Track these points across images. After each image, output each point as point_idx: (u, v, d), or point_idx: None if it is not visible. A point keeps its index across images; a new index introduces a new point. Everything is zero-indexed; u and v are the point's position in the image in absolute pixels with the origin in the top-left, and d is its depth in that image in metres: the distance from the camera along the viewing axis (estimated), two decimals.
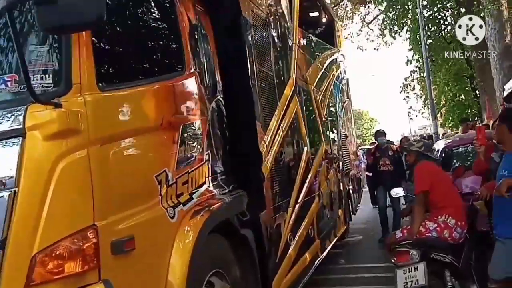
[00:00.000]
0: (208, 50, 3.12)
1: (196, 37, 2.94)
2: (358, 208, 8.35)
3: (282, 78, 4.26)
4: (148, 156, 2.35)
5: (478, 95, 19.22)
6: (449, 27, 20.15)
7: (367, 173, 10.73)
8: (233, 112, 3.32)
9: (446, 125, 25.10)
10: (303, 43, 5.48)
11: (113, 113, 2.13)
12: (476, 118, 19.72)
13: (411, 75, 24.46)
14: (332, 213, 5.83)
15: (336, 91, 7.28)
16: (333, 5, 21.68)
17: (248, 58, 3.42)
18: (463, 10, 19.15)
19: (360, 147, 17.05)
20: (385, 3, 19.40)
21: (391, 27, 20.81)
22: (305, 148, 4.82)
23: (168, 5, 2.70)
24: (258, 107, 3.51)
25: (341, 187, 6.73)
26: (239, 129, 3.34)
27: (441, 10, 19.28)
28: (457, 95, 21.15)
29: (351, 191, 7.63)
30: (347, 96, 8.60)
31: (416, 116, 30.82)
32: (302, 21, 6.43)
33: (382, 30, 21.83)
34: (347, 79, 8.68)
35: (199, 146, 2.78)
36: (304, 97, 5.12)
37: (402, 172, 7.36)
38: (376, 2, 19.42)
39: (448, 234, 3.75)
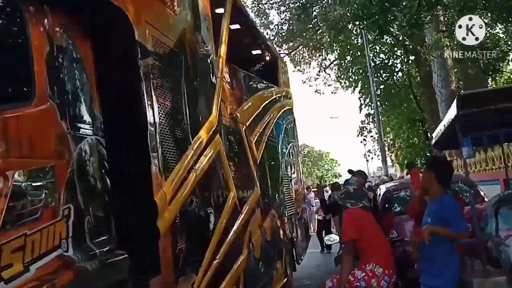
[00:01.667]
0: (84, 79, 2.47)
1: (61, 61, 2.29)
2: (303, 257, 7.64)
3: (198, 115, 3.64)
4: None
5: (429, 138, 19.36)
6: (399, 73, 20.54)
7: (318, 216, 10.23)
8: (120, 154, 2.65)
9: (404, 168, 25.30)
10: (234, 79, 4.94)
11: None
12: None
13: (367, 118, 24.70)
14: (267, 266, 5.11)
15: (278, 131, 6.74)
16: (290, 50, 21.82)
17: (143, 90, 2.79)
18: (412, 57, 19.59)
19: (313, 189, 16.58)
20: (337, 51, 19.61)
21: (345, 74, 21.06)
22: (230, 194, 4.16)
23: (8, 17, 2.05)
24: (156, 148, 2.85)
25: (282, 235, 6.05)
26: (127, 175, 2.67)
27: (391, 57, 19.63)
28: (410, 137, 21.31)
29: (295, 239, 6.95)
30: (294, 137, 8.08)
31: (372, 158, 30.97)
32: (241, 57, 6.00)
33: (337, 75, 22.05)
34: (294, 119, 8.20)
35: (50, 199, 2.07)
36: (232, 137, 4.52)
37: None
38: (329, 50, 19.59)
39: (376, 283, 3.62)
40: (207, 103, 3.88)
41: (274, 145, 6.46)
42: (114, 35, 2.70)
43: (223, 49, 4.47)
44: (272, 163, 6.20)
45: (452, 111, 5.27)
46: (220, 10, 4.72)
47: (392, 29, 15.65)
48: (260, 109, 5.77)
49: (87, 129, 2.43)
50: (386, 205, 6.10)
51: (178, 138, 3.23)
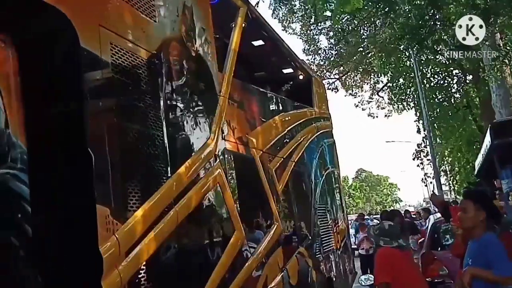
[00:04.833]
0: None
1: None
2: None
3: (185, 140, 2.88)
4: None
5: None
6: (456, 94, 18.72)
7: (361, 251, 9.01)
8: (52, 192, 1.94)
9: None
10: (247, 98, 4.15)
11: None
12: None
13: (423, 141, 22.87)
14: None
15: (310, 157, 5.81)
16: (341, 75, 20.79)
17: (87, 109, 2.08)
18: (470, 77, 17.80)
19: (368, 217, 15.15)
20: (389, 73, 18.25)
21: (398, 96, 19.64)
22: (236, 234, 3.30)
23: None
24: (107, 181, 2.10)
25: (314, 276, 5.04)
26: (59, 219, 1.95)
27: (447, 77, 17.94)
28: (470, 161, 19.18)
29: (334, 278, 5.87)
30: (333, 162, 7.06)
31: (431, 182, 28.70)
32: (267, 75, 5.27)
33: (391, 98, 20.61)
34: (333, 143, 7.20)
35: None
36: (241, 166, 3.68)
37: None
38: (380, 73, 18.30)
39: None
40: (202, 125, 3.11)
41: (305, 172, 5.52)
42: (48, 40, 2.03)
43: (230, 64, 3.72)
44: (301, 193, 5.26)
45: (487, 141, 4.59)
46: (228, 22, 4.00)
47: (444, 50, 14.25)
48: (285, 132, 4.90)
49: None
50: (435, 237, 5.11)
51: (149, 169, 2.47)
